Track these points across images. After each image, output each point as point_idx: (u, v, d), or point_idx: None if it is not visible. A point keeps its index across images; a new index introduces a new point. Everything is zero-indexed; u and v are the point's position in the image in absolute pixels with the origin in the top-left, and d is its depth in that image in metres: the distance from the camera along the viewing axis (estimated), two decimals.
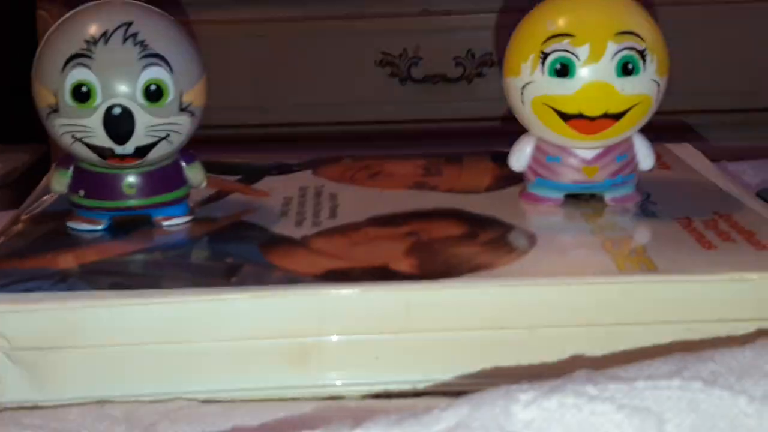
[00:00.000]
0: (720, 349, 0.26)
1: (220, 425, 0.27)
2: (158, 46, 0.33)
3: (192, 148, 0.42)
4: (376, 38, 1.04)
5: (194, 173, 0.36)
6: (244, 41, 1.02)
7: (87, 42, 0.32)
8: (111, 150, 0.33)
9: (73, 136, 0.33)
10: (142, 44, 0.32)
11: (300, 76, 1.04)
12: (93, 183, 0.35)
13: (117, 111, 0.32)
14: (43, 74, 0.33)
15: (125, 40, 0.32)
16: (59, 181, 0.35)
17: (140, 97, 0.32)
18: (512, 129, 0.38)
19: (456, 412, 0.23)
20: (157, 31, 0.33)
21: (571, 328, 0.31)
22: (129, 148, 0.33)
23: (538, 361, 0.30)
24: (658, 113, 0.36)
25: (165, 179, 0.35)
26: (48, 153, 1.18)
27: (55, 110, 0.33)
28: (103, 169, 0.34)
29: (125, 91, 0.32)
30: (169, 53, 0.33)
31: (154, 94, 0.33)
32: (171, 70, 0.33)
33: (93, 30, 0.32)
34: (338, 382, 0.30)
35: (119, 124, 0.32)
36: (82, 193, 0.35)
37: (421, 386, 0.30)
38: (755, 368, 0.25)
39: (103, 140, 0.33)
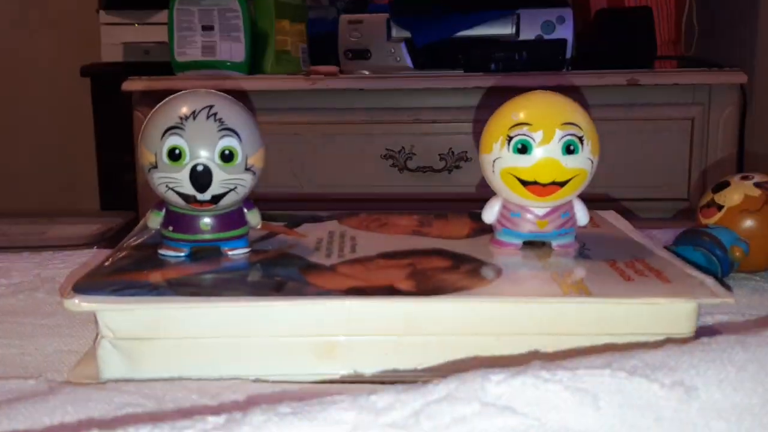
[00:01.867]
0: (639, 350, 0.26)
1: (267, 396, 0.27)
2: (231, 122, 0.33)
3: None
4: (382, 138, 1.05)
5: (253, 217, 0.36)
6: (285, 137, 1.03)
7: (180, 118, 0.33)
8: (194, 197, 0.33)
9: (166, 186, 0.33)
10: (220, 121, 0.33)
11: (325, 163, 1.06)
12: (179, 221, 0.35)
13: (200, 168, 0.33)
14: (146, 140, 0.34)
15: (208, 117, 0.33)
16: (154, 220, 0.36)
17: (217, 158, 0.33)
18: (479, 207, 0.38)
19: (446, 386, 0.23)
20: (231, 111, 0.34)
21: (528, 335, 0.31)
22: (207, 195, 0.33)
23: (503, 357, 0.30)
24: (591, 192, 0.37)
25: (231, 220, 0.35)
26: (136, 218, 1.19)
27: (154, 167, 0.33)
28: (186, 210, 0.35)
29: (206, 154, 0.33)
30: (238, 128, 0.33)
31: (227, 156, 0.33)
32: (240, 140, 0.33)
33: (185, 110, 0.33)
34: (356, 371, 0.30)
35: (201, 178, 0.33)
36: (170, 228, 0.35)
37: (418, 374, 0.30)
38: (665, 364, 0.25)
39: (189, 189, 0.33)
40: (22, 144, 1.57)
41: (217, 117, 0.33)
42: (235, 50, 1.05)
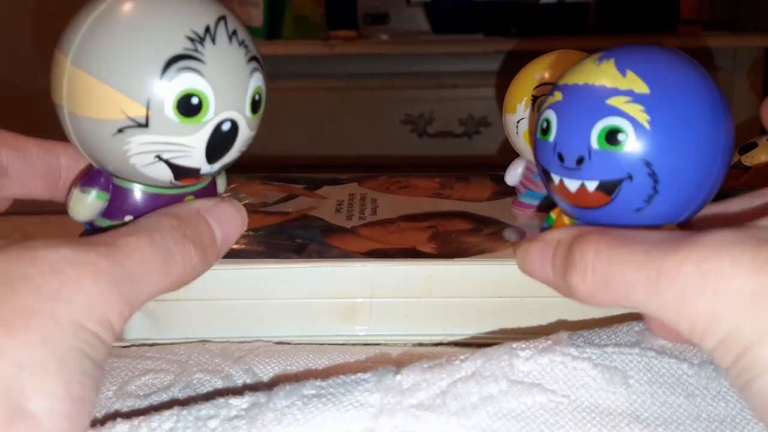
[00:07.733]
0: None
1: (290, 360, 0.27)
2: (252, 46, 0.21)
3: (265, 170, 0.41)
4: (402, 103, 1.04)
5: (221, 182, 0.26)
6: (304, 103, 1.02)
7: (191, 40, 0.19)
8: (197, 170, 0.21)
9: (157, 156, 0.20)
10: (245, 45, 0.20)
11: (343, 129, 1.04)
12: (149, 206, 0.22)
13: (227, 126, 0.20)
14: (118, 76, 0.19)
15: (230, 38, 0.20)
16: (92, 206, 0.22)
17: (248, 110, 0.21)
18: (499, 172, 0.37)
19: (472, 363, 0.23)
20: (244, 28, 0.21)
21: (550, 298, 0.30)
22: (215, 167, 0.22)
23: (526, 321, 0.30)
24: None
25: (209, 193, 0.25)
26: None
27: (140, 125, 0.19)
28: (164, 190, 0.22)
29: (237, 104, 0.20)
30: (260, 55, 0.21)
31: (257, 105, 0.21)
32: (263, 75, 0.21)
33: (191, 23, 0.19)
34: (376, 334, 0.30)
35: (225, 141, 0.21)
36: (128, 219, 0.22)
37: (439, 339, 0.30)
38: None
39: (198, 160, 0.21)
40: None
41: (239, 37, 0.20)
42: (253, 15, 1.03)
